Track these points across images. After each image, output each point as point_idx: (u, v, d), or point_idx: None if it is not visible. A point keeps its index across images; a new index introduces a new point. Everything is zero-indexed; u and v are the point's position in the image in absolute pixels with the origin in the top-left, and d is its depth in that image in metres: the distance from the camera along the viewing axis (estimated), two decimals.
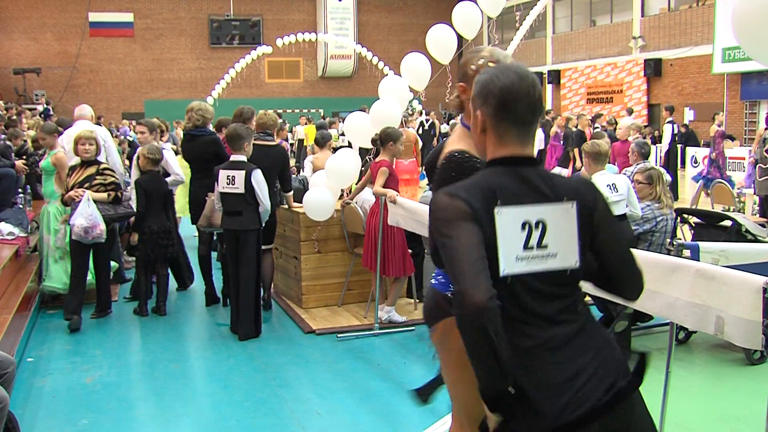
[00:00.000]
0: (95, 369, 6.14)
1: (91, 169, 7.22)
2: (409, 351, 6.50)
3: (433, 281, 3.07)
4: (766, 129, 12.39)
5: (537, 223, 2.23)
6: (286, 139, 12.24)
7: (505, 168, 2.30)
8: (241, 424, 5.03)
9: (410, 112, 16.44)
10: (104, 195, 7.14)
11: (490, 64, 2.89)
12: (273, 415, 5.17)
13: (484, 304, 2.00)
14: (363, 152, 8.62)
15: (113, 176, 7.35)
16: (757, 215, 10.70)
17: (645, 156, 7.92)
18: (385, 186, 6.73)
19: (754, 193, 11.43)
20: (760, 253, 3.84)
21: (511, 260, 2.21)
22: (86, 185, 7.11)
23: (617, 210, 6.26)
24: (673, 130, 16.97)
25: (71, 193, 7.06)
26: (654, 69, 27.72)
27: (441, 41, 7.38)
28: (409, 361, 6.27)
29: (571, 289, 2.32)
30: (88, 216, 6.89)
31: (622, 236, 2.51)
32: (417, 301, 7.60)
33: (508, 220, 2.22)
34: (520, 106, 2.30)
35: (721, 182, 12.63)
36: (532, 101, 2.32)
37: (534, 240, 2.22)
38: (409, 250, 7.12)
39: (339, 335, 6.85)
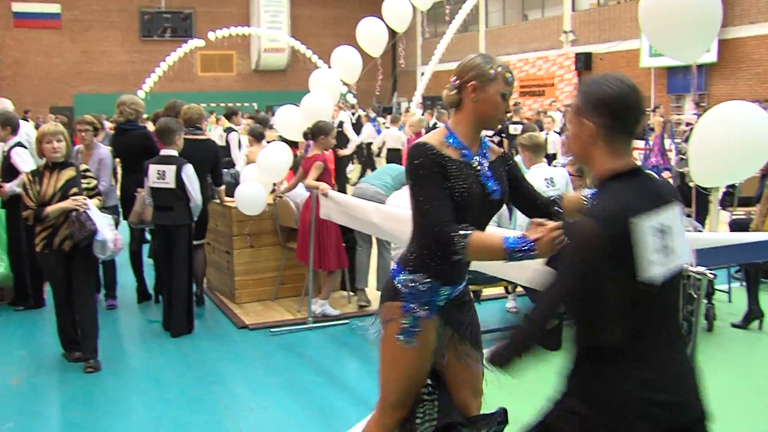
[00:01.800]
0: (22, 370, 6.00)
1: (69, 172, 5.80)
2: (342, 344, 6.51)
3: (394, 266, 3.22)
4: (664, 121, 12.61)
5: (667, 228, 2.24)
6: (233, 129, 11.98)
7: (630, 180, 2.30)
8: (174, 421, 4.98)
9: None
10: (98, 202, 5.99)
11: (507, 75, 3.01)
12: (206, 411, 5.13)
13: None
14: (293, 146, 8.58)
15: (94, 179, 6.22)
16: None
17: None
18: (318, 180, 6.71)
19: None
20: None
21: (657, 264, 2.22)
22: (74, 191, 5.74)
23: None
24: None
25: (68, 203, 5.65)
26: (584, 63, 28.17)
27: (371, 34, 7.40)
28: (343, 354, 6.29)
29: None
30: (110, 226, 5.82)
31: None
32: (351, 294, 7.61)
33: (646, 230, 2.20)
34: (633, 117, 2.30)
35: (665, 172, 12.84)
36: (641, 112, 2.34)
37: (666, 242, 2.23)
38: (343, 244, 7.12)
39: (272, 330, 6.82)
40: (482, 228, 3.03)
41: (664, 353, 2.28)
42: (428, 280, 3.05)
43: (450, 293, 3.14)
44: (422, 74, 25.21)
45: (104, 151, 7.37)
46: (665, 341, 2.30)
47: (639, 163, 8.35)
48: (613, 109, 2.28)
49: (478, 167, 3.01)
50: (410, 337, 3.09)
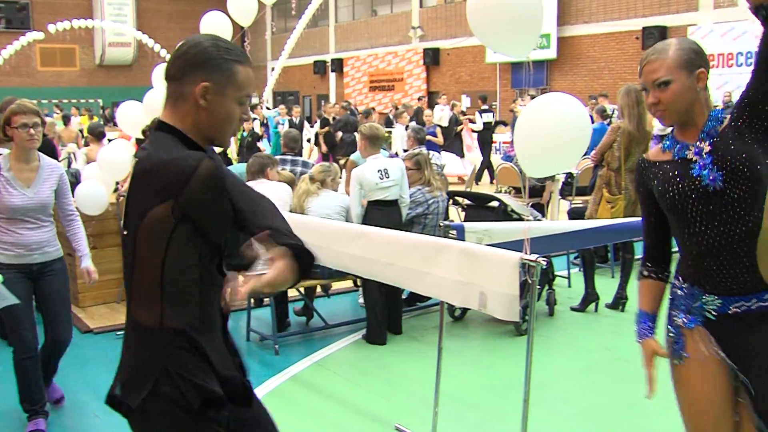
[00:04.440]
0: None
1: None
2: None
3: None
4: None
5: None
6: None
7: None
8: None
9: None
10: None
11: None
12: (49, 421, 4.91)
13: None
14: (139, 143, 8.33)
15: None
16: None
17: (420, 142, 8.22)
18: None
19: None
20: (519, 230, 4.08)
21: None
22: None
23: (390, 195, 6.35)
24: (482, 118, 17.71)
25: None
26: (432, 58, 28.84)
27: (215, 29, 7.27)
28: None
29: None
30: None
31: None
32: None
33: None
34: None
35: (505, 164, 13.26)
36: None
37: None
38: None
39: (119, 333, 6.59)
40: None
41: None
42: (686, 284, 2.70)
43: (722, 307, 2.62)
44: (272, 69, 25.02)
45: None
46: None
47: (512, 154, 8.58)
48: None
49: None
50: (677, 348, 2.70)
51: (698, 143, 2.59)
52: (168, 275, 2.09)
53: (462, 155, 16.98)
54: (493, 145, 18.80)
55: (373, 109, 19.96)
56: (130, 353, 2.25)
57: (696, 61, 2.60)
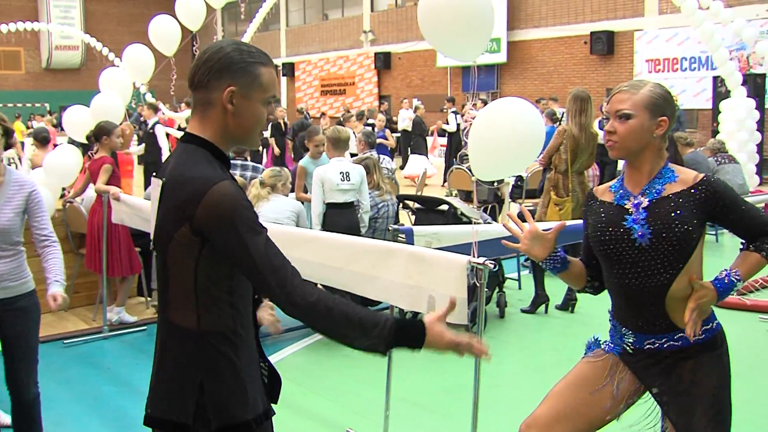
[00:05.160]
0: None
1: None
2: (140, 351, 6.31)
3: None
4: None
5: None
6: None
7: None
8: None
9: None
10: None
11: None
12: None
13: None
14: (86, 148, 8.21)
15: None
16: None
17: (371, 146, 8.23)
18: (108, 183, 6.46)
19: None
20: (467, 233, 4.10)
21: None
22: None
23: (348, 198, 6.45)
24: (456, 120, 17.78)
25: None
26: (384, 62, 28.89)
27: (163, 33, 7.22)
28: (141, 361, 6.08)
29: None
30: None
31: None
32: (149, 299, 7.40)
33: None
34: None
35: (459, 168, 13.31)
36: None
37: None
38: (137, 248, 6.91)
39: (66, 341, 6.51)
40: None
41: None
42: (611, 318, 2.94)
43: (637, 342, 2.80)
44: None
45: None
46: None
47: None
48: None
49: None
50: (588, 350, 3.00)
51: (639, 196, 2.70)
52: (201, 287, 2.11)
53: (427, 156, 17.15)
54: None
55: (324, 113, 19.93)
56: (166, 371, 2.21)
57: (662, 107, 2.69)
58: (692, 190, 2.65)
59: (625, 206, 2.72)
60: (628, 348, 2.81)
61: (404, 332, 2.11)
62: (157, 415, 2.18)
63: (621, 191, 2.77)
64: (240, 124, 2.17)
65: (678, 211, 2.62)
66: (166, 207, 2.12)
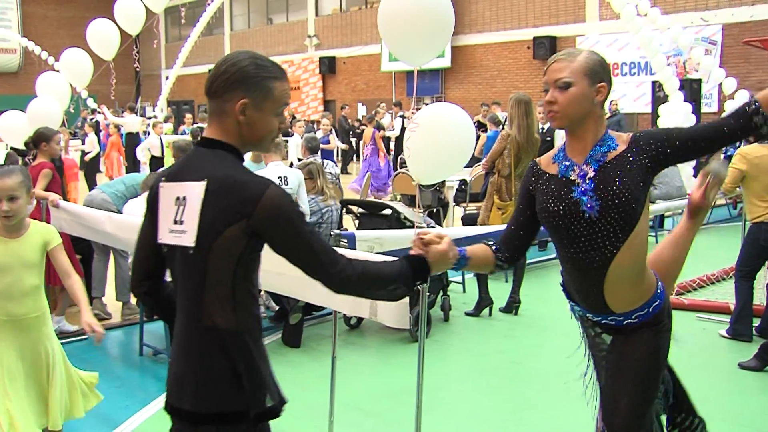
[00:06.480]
0: None
1: None
2: (81, 361, 6.13)
3: None
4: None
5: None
6: None
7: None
8: None
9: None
10: None
11: None
12: None
13: None
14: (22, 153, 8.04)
15: None
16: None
17: (313, 151, 8.21)
18: (47, 189, 6.33)
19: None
20: (410, 238, 4.11)
21: None
22: None
23: None
24: (402, 124, 17.79)
25: None
26: (329, 66, 28.89)
27: (102, 36, 7.11)
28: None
29: None
30: None
31: None
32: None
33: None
34: None
35: (404, 172, 13.29)
36: None
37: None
38: (78, 256, 6.77)
39: None
40: None
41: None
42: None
43: (582, 311, 2.92)
44: (167, 78, 24.58)
45: None
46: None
47: None
48: None
49: None
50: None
51: (584, 166, 2.67)
52: (237, 284, 2.24)
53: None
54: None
55: None
56: (194, 363, 2.30)
57: (600, 74, 2.67)
58: (628, 154, 2.63)
59: (571, 177, 2.68)
60: (580, 313, 2.92)
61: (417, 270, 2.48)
62: (214, 411, 2.28)
63: (566, 163, 2.73)
64: (252, 133, 2.31)
65: (623, 178, 2.60)
66: (217, 207, 2.20)
